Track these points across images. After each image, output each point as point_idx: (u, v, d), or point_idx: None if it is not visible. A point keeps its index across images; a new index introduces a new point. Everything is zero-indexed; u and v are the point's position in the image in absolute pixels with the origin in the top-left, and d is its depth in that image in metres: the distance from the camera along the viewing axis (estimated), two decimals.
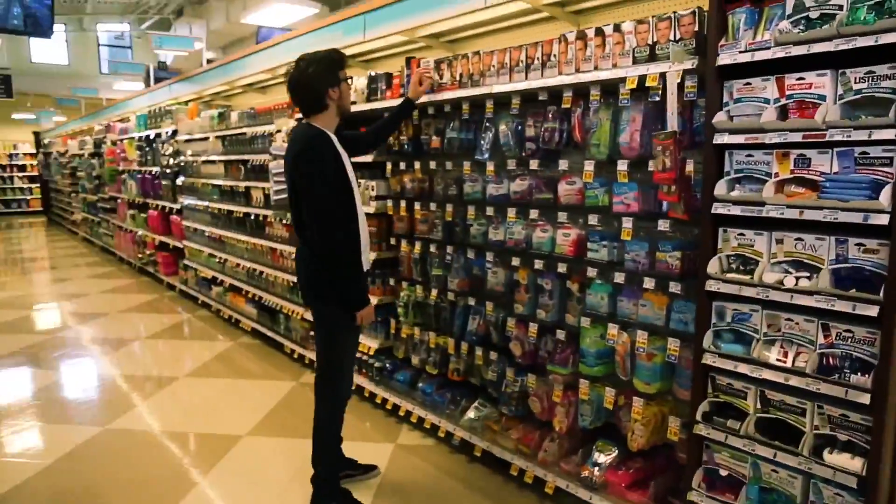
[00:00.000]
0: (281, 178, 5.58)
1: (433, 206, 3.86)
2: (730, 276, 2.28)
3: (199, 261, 7.53)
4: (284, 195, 5.42)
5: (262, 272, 5.94)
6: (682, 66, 2.36)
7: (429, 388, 3.99)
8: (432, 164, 3.86)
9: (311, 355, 5.13)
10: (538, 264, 3.19)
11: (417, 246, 4.00)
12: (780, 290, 2.12)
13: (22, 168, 22.09)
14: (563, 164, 3.05)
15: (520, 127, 3.29)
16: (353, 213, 2.95)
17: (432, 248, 3.89)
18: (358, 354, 4.55)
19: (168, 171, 7.79)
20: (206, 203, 7.01)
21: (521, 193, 3.30)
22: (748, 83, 2.21)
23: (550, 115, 3.09)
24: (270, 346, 5.92)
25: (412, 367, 4.19)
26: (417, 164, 3.95)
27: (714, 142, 2.27)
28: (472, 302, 3.67)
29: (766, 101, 2.17)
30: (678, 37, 2.42)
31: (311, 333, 5.03)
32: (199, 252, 7.48)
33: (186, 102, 8.15)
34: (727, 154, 2.29)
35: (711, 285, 2.32)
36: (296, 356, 5.51)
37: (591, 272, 2.93)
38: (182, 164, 7.58)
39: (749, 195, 2.22)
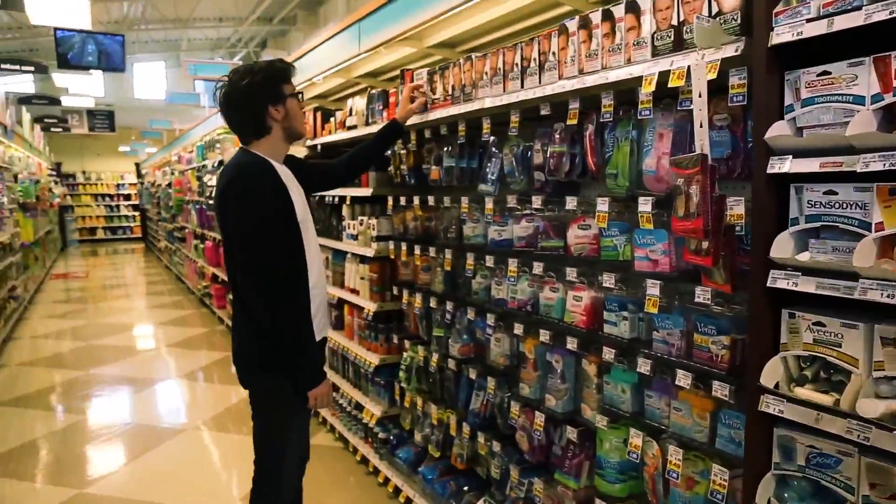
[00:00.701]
0: None
1: (432, 250, 3.13)
2: (801, 391, 1.40)
3: None
4: None
5: None
6: (718, 54, 1.51)
7: (431, 472, 3.22)
8: (433, 199, 3.14)
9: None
10: (545, 335, 2.38)
11: (418, 298, 3.28)
12: (891, 429, 1.21)
13: (127, 197, 23.42)
14: (570, 203, 2.23)
15: (528, 153, 2.51)
16: (302, 266, 2.28)
17: (433, 303, 3.15)
18: (364, 421, 3.86)
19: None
20: None
21: (526, 239, 2.51)
22: (826, 72, 1.34)
23: (557, 136, 2.30)
24: None
25: (416, 443, 3.44)
26: (417, 200, 3.25)
27: (769, 170, 1.41)
28: (474, 374, 2.89)
29: (859, 99, 1.29)
30: (715, 11, 1.58)
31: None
32: None
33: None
34: (792, 190, 1.42)
35: (768, 404, 1.43)
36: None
37: (609, 353, 2.09)
38: None
39: (830, 260, 1.33)
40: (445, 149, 2.96)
